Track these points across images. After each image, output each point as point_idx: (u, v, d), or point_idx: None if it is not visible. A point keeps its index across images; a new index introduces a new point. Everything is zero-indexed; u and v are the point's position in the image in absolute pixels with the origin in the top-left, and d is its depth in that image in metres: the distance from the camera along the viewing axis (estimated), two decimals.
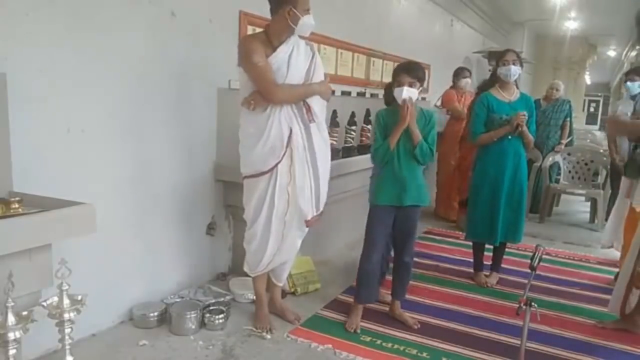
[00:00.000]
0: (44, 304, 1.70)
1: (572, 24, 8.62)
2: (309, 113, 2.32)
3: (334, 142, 3.54)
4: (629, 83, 4.49)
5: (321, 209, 2.47)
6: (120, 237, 2.40)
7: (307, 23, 2.23)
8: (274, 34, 2.25)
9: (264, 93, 2.19)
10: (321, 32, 3.63)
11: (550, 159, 5.27)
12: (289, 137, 2.26)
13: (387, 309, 2.77)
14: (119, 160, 2.37)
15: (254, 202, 2.33)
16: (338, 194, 3.69)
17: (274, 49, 2.23)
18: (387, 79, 4.78)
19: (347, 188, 3.76)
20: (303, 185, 2.34)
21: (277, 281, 2.64)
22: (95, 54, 2.17)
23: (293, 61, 2.26)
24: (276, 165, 2.27)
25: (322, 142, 2.42)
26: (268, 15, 2.31)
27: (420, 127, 2.51)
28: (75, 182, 2.10)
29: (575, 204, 6.16)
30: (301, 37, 2.32)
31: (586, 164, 5.38)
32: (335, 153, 3.55)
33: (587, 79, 10.98)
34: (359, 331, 2.51)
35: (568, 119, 5.36)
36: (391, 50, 4.82)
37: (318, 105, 2.36)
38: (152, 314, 2.44)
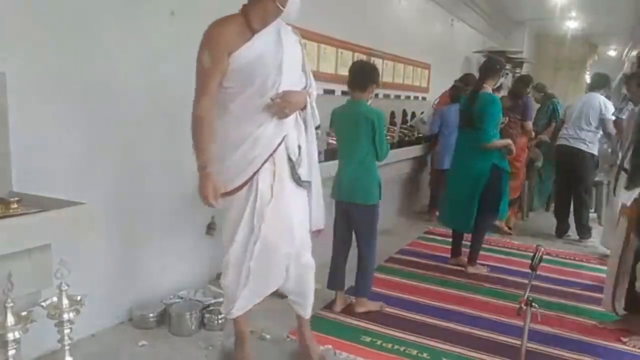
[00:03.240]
0: (44, 304, 1.70)
1: (572, 24, 8.61)
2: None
3: (334, 142, 3.53)
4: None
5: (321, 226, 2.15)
6: (120, 237, 2.40)
7: (296, 1, 1.87)
8: (255, 16, 1.84)
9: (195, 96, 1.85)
10: (321, 31, 3.63)
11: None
12: (277, 148, 1.90)
13: (384, 310, 2.78)
14: (119, 160, 2.36)
15: (228, 224, 1.96)
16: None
17: (254, 34, 1.84)
18: (387, 78, 4.81)
19: None
20: (285, 212, 1.92)
21: (304, 309, 2.18)
22: (96, 55, 2.17)
23: (287, 45, 1.89)
24: (254, 176, 1.88)
25: (317, 154, 2.14)
26: None
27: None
28: (75, 182, 2.10)
29: None
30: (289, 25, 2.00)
31: None
32: (336, 153, 3.55)
33: (588, 78, 10.98)
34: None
35: (554, 120, 5.32)
36: (391, 50, 4.82)
37: (315, 111, 2.05)
38: (151, 315, 2.44)
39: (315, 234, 2.13)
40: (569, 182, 4.52)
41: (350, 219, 2.70)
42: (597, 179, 4.92)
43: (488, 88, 3.36)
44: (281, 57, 1.86)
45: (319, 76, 3.64)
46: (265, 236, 1.89)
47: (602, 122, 4.33)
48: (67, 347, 1.74)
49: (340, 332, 2.51)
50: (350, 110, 2.70)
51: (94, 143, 2.22)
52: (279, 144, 1.90)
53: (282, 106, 1.86)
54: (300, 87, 1.96)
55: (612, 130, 4.28)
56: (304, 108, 1.98)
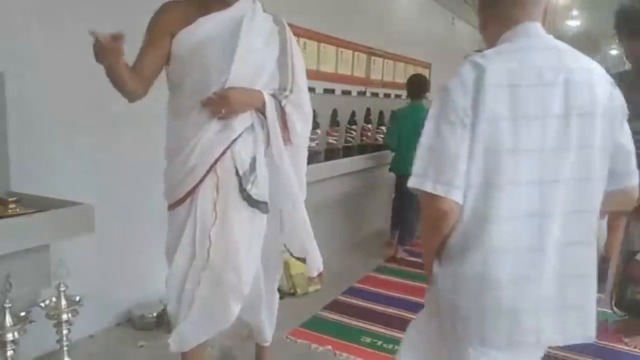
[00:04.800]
0: (42, 304, 1.70)
1: (573, 23, 8.60)
2: (285, 130, 1.66)
3: (334, 142, 3.53)
4: None
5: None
6: (118, 237, 2.39)
7: None
8: None
9: None
10: (321, 30, 3.62)
11: None
12: (220, 157, 1.57)
13: (386, 310, 2.77)
14: (118, 159, 2.35)
15: (168, 241, 1.69)
16: (339, 194, 3.69)
17: (204, 12, 1.55)
18: (388, 77, 4.80)
19: (348, 188, 3.76)
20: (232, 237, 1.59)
21: (262, 340, 2.01)
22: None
23: (244, 37, 1.53)
24: (194, 190, 1.58)
25: (293, 177, 1.72)
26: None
27: None
28: (73, 181, 2.09)
29: None
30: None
31: None
32: (336, 153, 3.55)
33: None
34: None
35: None
36: (392, 49, 4.80)
37: (300, 118, 1.69)
38: (150, 315, 2.43)
39: (318, 278, 1.87)
40: None
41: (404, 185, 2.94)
42: None
43: None
44: (235, 45, 1.52)
45: (318, 76, 3.66)
46: (212, 264, 1.58)
47: None
48: (65, 348, 1.75)
49: (340, 332, 2.50)
50: (411, 110, 3.60)
51: (93, 142, 2.21)
52: (223, 153, 1.56)
53: (217, 104, 1.53)
54: (264, 87, 1.62)
55: None
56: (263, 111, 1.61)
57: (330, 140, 3.51)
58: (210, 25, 1.54)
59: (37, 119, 1.98)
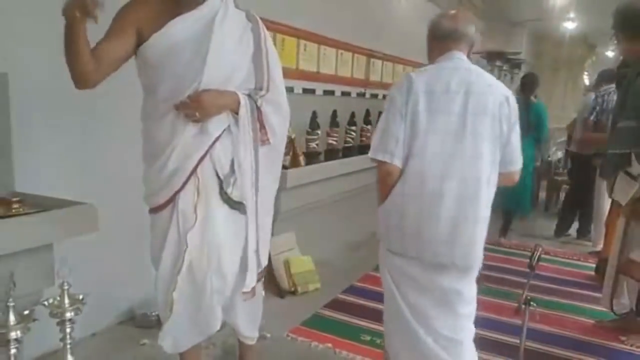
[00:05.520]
0: (46, 303, 1.71)
1: (570, 25, 8.63)
2: (263, 130, 1.64)
3: (334, 143, 3.55)
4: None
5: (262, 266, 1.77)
6: (120, 236, 2.40)
7: None
8: None
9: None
10: (322, 32, 3.64)
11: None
12: (200, 161, 1.56)
13: None
14: (121, 159, 2.36)
15: (153, 245, 1.74)
16: (339, 194, 3.70)
17: (173, 13, 1.49)
18: (387, 79, 4.82)
19: (348, 188, 3.77)
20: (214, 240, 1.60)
21: (244, 337, 1.91)
22: None
23: (216, 38, 1.49)
24: (177, 194, 1.58)
25: (270, 176, 1.75)
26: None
27: None
28: (74, 181, 2.11)
29: None
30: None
31: None
32: (336, 153, 3.57)
33: (586, 79, 10.99)
34: None
35: None
36: (391, 51, 4.83)
37: (277, 117, 1.68)
38: (153, 313, 2.44)
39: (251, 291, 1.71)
40: (580, 184, 4.53)
41: None
42: None
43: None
44: (207, 47, 1.49)
45: (319, 77, 3.68)
46: (190, 266, 1.58)
47: None
48: (68, 346, 1.75)
49: (340, 330, 2.52)
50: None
51: (96, 141, 2.23)
52: (202, 157, 1.55)
53: (191, 107, 1.50)
54: (239, 87, 1.59)
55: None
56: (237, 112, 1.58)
57: (330, 141, 3.53)
58: (180, 27, 1.49)
59: (39, 119, 2.00)
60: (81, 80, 1.47)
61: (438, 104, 1.57)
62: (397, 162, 1.58)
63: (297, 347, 2.35)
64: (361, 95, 4.40)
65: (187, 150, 1.55)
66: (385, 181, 1.63)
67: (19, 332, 1.54)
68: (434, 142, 1.56)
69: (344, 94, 4.11)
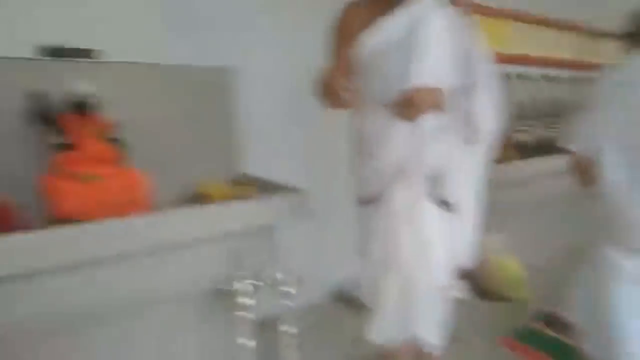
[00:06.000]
0: (267, 279, 1.90)
1: None
2: (473, 127, 1.60)
3: (553, 135, 3.15)
4: None
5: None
6: (332, 224, 2.53)
7: None
8: None
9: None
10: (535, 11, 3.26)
11: None
12: (411, 159, 1.58)
13: None
14: (335, 151, 2.44)
15: (362, 236, 1.75)
16: (558, 193, 3.28)
17: (383, 14, 1.50)
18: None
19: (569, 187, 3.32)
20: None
21: (422, 345, 1.75)
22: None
23: (424, 35, 1.49)
24: (385, 191, 1.61)
25: (480, 175, 1.68)
26: None
27: None
28: (288, 168, 2.25)
29: None
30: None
31: None
32: (550, 147, 3.18)
33: None
34: None
35: None
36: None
37: (487, 112, 1.59)
38: (359, 294, 2.53)
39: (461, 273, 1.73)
40: None
41: None
42: None
43: None
44: (415, 45, 1.49)
45: (533, 61, 3.30)
46: (397, 262, 1.59)
47: None
48: (287, 317, 1.94)
49: (556, 350, 2.24)
50: None
51: (305, 133, 2.45)
52: (413, 155, 1.56)
53: (403, 106, 1.46)
54: (447, 84, 1.53)
55: None
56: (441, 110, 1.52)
57: (546, 134, 3.15)
58: (387, 26, 1.50)
59: (259, 113, 2.26)
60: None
61: None
62: None
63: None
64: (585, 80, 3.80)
65: (397, 148, 1.56)
66: None
67: (248, 299, 1.76)
68: None
69: (568, 80, 3.60)
